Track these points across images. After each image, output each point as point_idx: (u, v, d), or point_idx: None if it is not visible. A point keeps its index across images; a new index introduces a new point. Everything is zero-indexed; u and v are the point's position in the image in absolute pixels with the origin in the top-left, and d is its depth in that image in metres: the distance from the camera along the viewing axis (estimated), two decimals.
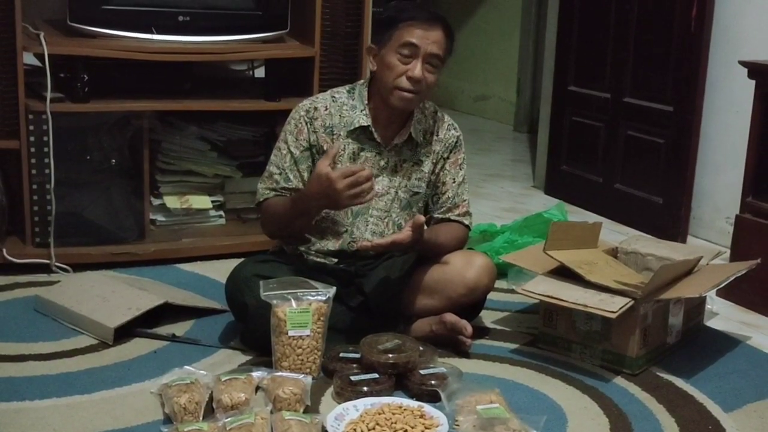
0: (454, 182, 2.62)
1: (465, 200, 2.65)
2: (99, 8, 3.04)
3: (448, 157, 2.62)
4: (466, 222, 2.65)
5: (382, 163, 2.55)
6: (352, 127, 2.51)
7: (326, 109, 2.52)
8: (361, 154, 2.53)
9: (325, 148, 2.50)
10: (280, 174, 2.51)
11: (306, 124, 2.51)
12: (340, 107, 2.53)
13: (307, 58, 3.23)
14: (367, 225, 2.56)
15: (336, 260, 2.58)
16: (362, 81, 2.60)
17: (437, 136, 2.61)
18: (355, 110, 2.52)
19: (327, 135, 2.51)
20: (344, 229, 2.55)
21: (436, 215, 2.63)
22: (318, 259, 2.57)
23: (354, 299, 2.51)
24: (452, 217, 2.63)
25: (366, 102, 2.53)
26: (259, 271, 2.44)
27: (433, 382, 2.22)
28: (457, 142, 2.64)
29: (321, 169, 2.30)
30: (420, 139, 2.57)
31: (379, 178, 2.54)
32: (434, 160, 2.61)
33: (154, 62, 3.08)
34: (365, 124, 2.51)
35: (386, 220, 2.57)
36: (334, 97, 2.56)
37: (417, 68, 2.42)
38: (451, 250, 2.57)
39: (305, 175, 2.50)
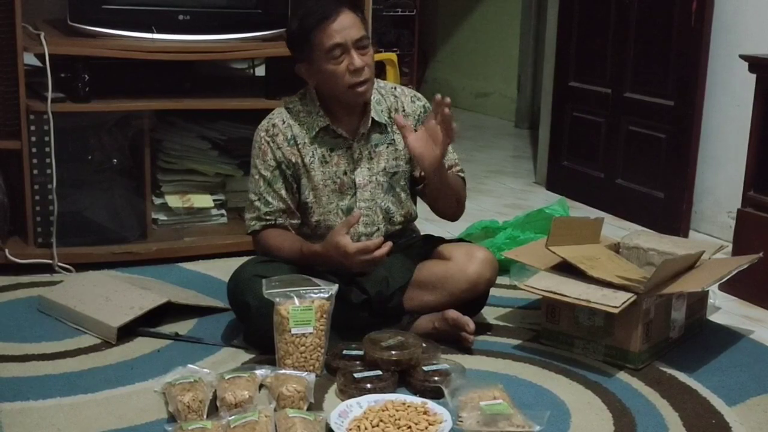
0: None
1: (453, 159, 2.65)
2: (99, 8, 3.05)
3: None
4: (461, 175, 2.66)
5: (356, 155, 2.55)
6: (314, 132, 2.51)
7: (284, 122, 2.53)
8: (332, 154, 2.53)
9: (293, 160, 2.50)
10: (259, 200, 2.52)
11: (268, 143, 2.51)
12: (297, 115, 2.54)
13: None
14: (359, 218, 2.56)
15: None
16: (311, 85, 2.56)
17: (404, 111, 2.60)
18: (311, 114, 2.52)
19: (291, 147, 2.51)
20: None
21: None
22: None
23: (356, 297, 2.51)
24: None
25: (318, 103, 2.52)
26: (260, 271, 2.43)
27: (436, 378, 2.22)
28: (425, 111, 2.62)
29: (341, 241, 2.32)
30: (385, 119, 2.57)
31: (357, 171, 2.55)
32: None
33: (155, 62, 3.08)
34: (324, 124, 2.51)
35: (374, 208, 2.58)
36: (288, 107, 2.56)
37: (355, 59, 2.41)
38: (456, 189, 2.57)
39: (282, 192, 2.51)
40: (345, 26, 2.41)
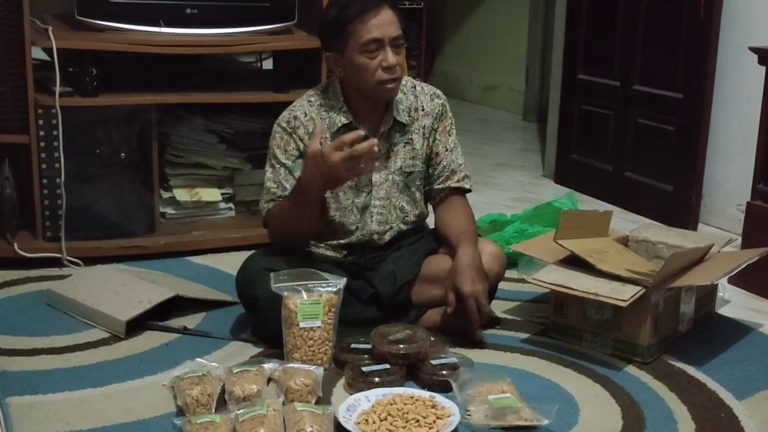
0: (447, 150, 2.61)
1: (461, 164, 2.64)
2: (107, 2, 3.05)
3: (437, 128, 2.61)
4: (467, 186, 2.64)
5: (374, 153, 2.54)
6: (335, 128, 2.49)
7: (306, 115, 2.51)
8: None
9: None
10: (278, 187, 2.49)
11: (290, 135, 2.49)
12: (319, 110, 2.52)
13: (315, 49, 3.20)
14: (372, 216, 2.56)
15: (345, 253, 2.58)
16: (335, 78, 2.54)
17: (423, 110, 2.59)
18: (333, 110, 2.51)
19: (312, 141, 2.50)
20: (354, 227, 2.55)
21: (436, 186, 2.62)
22: (327, 253, 2.58)
23: (364, 291, 2.51)
24: (452, 185, 2.61)
25: (342, 99, 2.51)
26: (269, 264, 2.44)
27: (444, 372, 2.22)
28: (442, 109, 2.62)
29: (312, 148, 2.30)
30: (406, 119, 2.56)
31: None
32: (426, 135, 2.59)
33: (163, 55, 3.09)
34: (346, 121, 2.49)
35: (389, 207, 2.57)
36: (310, 101, 2.54)
37: (389, 56, 2.39)
38: (474, 226, 2.59)
39: None
40: (384, 22, 2.39)
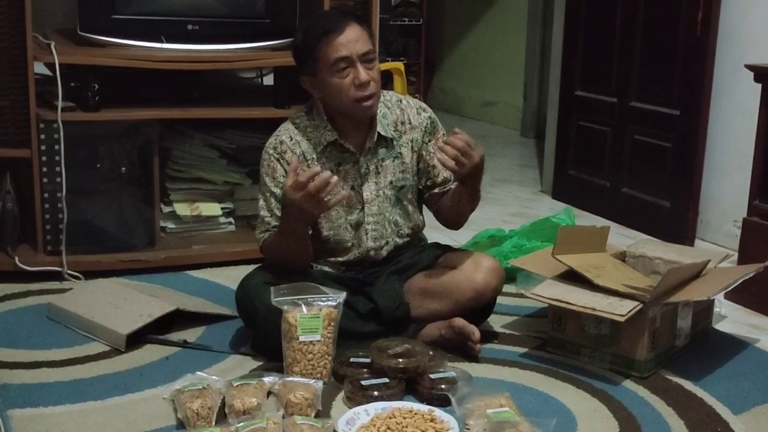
0: None
1: None
2: (109, 18, 3.07)
3: (429, 141, 2.61)
4: None
5: (363, 170, 2.55)
6: (321, 147, 2.51)
7: (291, 139, 2.52)
8: (340, 169, 2.53)
9: None
10: (271, 216, 2.51)
11: (277, 160, 2.51)
12: (304, 131, 2.53)
13: None
14: (367, 233, 2.58)
15: (344, 268, 2.60)
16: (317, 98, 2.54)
17: (410, 123, 2.60)
18: (318, 129, 2.52)
19: (301, 163, 2.49)
20: (349, 244, 2.57)
21: (438, 191, 2.64)
22: (326, 268, 2.59)
23: (363, 306, 2.52)
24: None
25: (326, 117, 2.52)
26: (269, 279, 2.45)
27: (443, 386, 2.23)
28: (432, 123, 2.63)
29: (285, 185, 2.32)
30: (392, 133, 2.57)
31: (365, 185, 2.55)
32: (415, 148, 2.60)
33: (164, 71, 3.10)
34: (332, 139, 2.51)
35: (382, 222, 2.59)
36: (295, 122, 2.55)
37: (360, 73, 2.39)
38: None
39: None
40: (351, 39, 2.39)
